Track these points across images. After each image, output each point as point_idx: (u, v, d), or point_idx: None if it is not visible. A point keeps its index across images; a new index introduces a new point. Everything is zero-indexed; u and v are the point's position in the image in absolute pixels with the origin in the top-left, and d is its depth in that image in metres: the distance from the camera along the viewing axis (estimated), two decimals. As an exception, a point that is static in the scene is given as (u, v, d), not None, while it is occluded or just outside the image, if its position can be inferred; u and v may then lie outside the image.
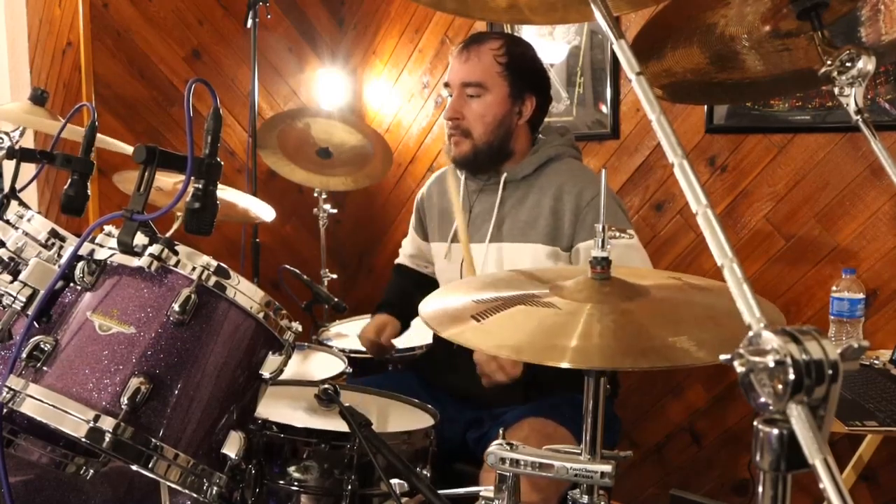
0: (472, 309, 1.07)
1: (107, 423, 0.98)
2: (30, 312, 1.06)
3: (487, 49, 1.83)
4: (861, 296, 2.22)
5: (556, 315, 1.03)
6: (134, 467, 1.00)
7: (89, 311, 1.04)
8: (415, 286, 2.14)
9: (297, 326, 1.16)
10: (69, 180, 1.33)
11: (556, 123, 2.88)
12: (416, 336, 2.16)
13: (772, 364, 0.56)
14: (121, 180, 2.37)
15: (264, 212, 2.51)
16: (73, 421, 0.98)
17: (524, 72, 1.84)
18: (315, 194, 3.02)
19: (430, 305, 1.13)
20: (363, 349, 2.27)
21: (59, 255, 1.18)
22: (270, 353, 1.13)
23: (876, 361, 2.09)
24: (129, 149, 1.91)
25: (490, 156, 1.87)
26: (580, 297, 1.05)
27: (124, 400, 0.98)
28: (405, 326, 2.07)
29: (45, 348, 1.02)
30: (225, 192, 2.45)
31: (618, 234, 1.09)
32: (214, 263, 1.06)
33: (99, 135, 1.40)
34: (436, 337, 1.98)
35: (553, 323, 1.01)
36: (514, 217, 1.86)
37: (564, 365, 0.90)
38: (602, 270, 1.08)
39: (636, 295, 1.07)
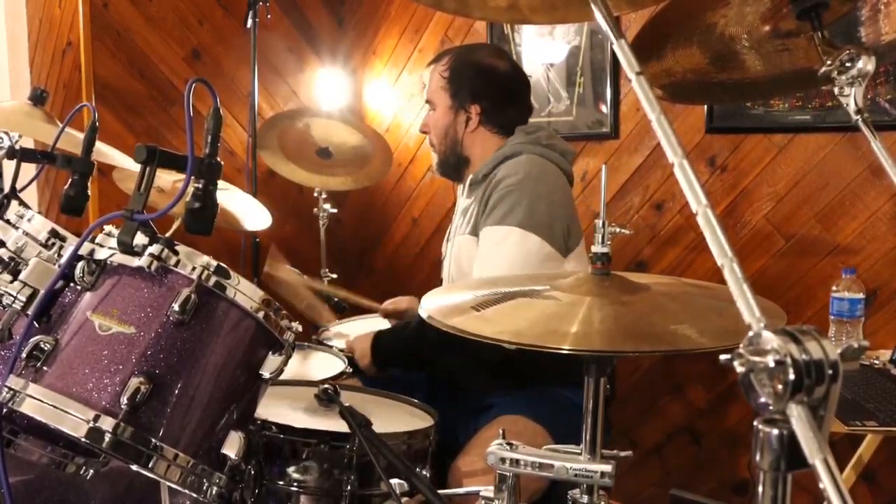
0: (473, 302, 1.07)
1: (106, 423, 0.98)
2: (30, 312, 1.06)
3: (437, 67, 1.99)
4: (861, 296, 2.22)
5: (556, 305, 1.03)
6: (134, 467, 1.00)
7: (89, 310, 1.04)
8: None
9: (297, 326, 1.16)
10: (69, 180, 1.33)
11: (556, 123, 2.90)
12: None
13: (772, 364, 0.56)
14: (121, 178, 2.37)
15: (260, 220, 2.50)
16: (73, 421, 0.98)
17: (464, 83, 1.94)
18: (315, 194, 3.01)
19: (430, 301, 1.13)
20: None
21: (60, 255, 1.18)
22: (270, 352, 1.13)
23: (876, 361, 2.09)
24: (127, 160, 1.91)
25: (449, 164, 2.01)
26: (580, 291, 1.05)
27: (124, 400, 0.98)
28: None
29: (45, 348, 1.02)
30: (226, 193, 2.45)
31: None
32: (214, 263, 1.06)
33: (100, 144, 1.41)
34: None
35: (554, 312, 1.02)
36: (468, 214, 1.93)
37: (566, 348, 0.90)
38: (602, 266, 1.08)
39: (637, 290, 1.07)
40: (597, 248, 1.09)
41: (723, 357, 0.60)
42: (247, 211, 2.52)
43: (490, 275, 1.72)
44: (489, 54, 1.99)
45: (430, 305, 1.10)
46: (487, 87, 1.93)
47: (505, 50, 2.09)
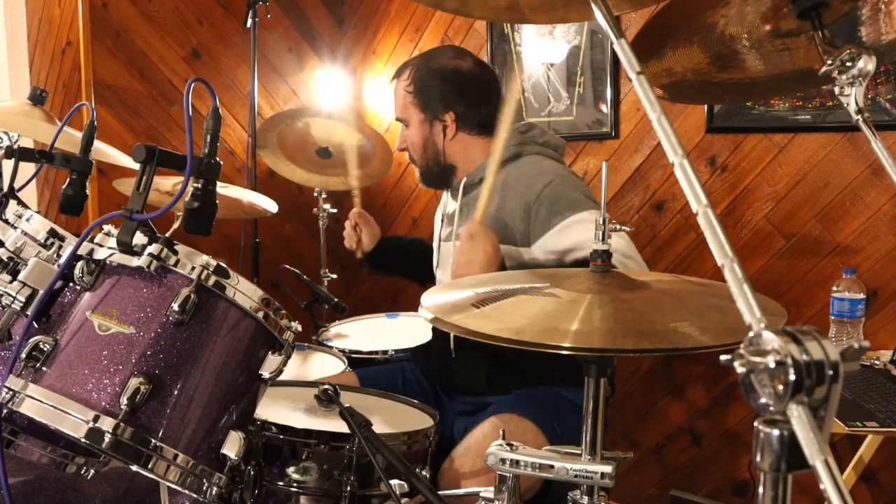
0: (473, 299, 1.07)
1: (106, 424, 0.97)
2: (29, 312, 1.05)
3: (400, 83, 1.94)
4: (861, 296, 2.22)
5: (556, 303, 1.03)
6: (133, 467, 1.00)
7: (89, 310, 1.04)
8: (419, 250, 2.29)
9: (296, 326, 1.16)
10: (68, 180, 1.33)
11: (556, 123, 2.90)
12: (413, 336, 2.16)
13: (772, 364, 0.56)
14: (120, 184, 2.37)
15: (267, 205, 2.51)
16: (73, 421, 0.98)
17: (431, 92, 1.90)
18: (315, 194, 3.01)
19: (431, 299, 1.13)
20: (363, 349, 2.28)
21: (59, 255, 1.18)
22: (270, 352, 1.12)
23: (876, 362, 2.09)
24: (127, 159, 1.91)
25: (434, 175, 1.98)
26: (581, 289, 1.05)
27: (124, 400, 0.98)
28: (380, 251, 2.27)
29: (45, 348, 1.02)
30: (227, 190, 2.46)
31: (617, 226, 1.10)
32: (214, 263, 1.06)
33: (99, 143, 1.40)
34: (434, 335, 2.00)
35: (554, 309, 1.01)
36: (470, 218, 1.88)
37: (566, 345, 0.90)
38: (602, 263, 1.08)
39: (637, 287, 1.07)
40: (597, 246, 1.09)
41: (723, 357, 0.60)
42: (251, 200, 2.53)
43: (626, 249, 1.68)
44: (450, 57, 1.94)
45: (430, 303, 1.10)
46: (456, 90, 1.89)
47: (464, 49, 2.04)
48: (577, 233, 1.71)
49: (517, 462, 1.06)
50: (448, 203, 2.04)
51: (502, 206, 1.81)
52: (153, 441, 1.00)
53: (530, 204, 1.78)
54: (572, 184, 1.79)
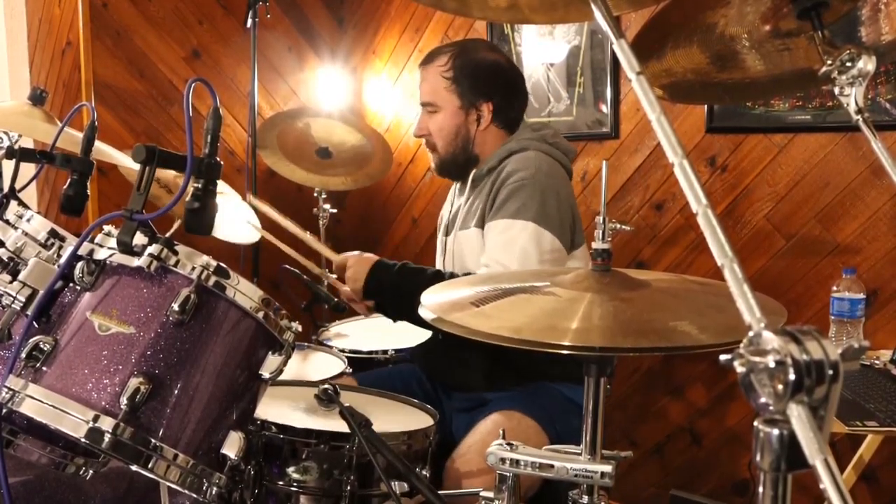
0: (472, 298, 1.07)
1: (106, 424, 0.97)
2: (29, 312, 1.05)
3: (435, 67, 1.91)
4: (861, 296, 2.22)
5: (556, 302, 1.03)
6: (133, 467, 1.00)
7: (89, 311, 1.04)
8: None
9: (296, 326, 1.16)
10: (68, 180, 1.33)
11: (556, 123, 2.90)
12: (413, 336, 2.16)
13: (772, 364, 0.56)
14: (128, 172, 2.35)
15: (245, 236, 2.47)
16: (73, 421, 0.98)
17: (472, 81, 1.88)
18: (315, 194, 3.01)
19: (431, 297, 1.13)
20: (363, 349, 2.28)
21: (59, 255, 1.18)
22: (270, 352, 1.12)
23: (876, 361, 2.09)
24: (127, 160, 1.91)
25: (456, 165, 1.95)
26: (580, 287, 1.05)
27: (124, 400, 0.98)
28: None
29: (45, 348, 1.02)
30: (222, 197, 2.44)
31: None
32: (214, 263, 1.06)
33: (99, 143, 1.40)
34: (434, 332, 2.00)
35: (553, 308, 1.02)
36: (473, 208, 1.92)
37: (565, 344, 0.90)
38: (603, 262, 1.08)
39: (637, 286, 1.07)
40: (597, 245, 1.09)
41: (723, 357, 0.60)
42: (236, 222, 2.48)
43: (502, 267, 1.70)
44: (487, 50, 1.96)
45: (430, 301, 1.10)
46: (496, 83, 1.90)
47: (494, 43, 2.05)
48: (503, 242, 1.74)
49: (517, 461, 1.06)
50: (455, 197, 2.05)
51: (489, 192, 1.84)
52: (153, 441, 1.00)
53: (497, 189, 1.80)
54: (545, 190, 1.76)
